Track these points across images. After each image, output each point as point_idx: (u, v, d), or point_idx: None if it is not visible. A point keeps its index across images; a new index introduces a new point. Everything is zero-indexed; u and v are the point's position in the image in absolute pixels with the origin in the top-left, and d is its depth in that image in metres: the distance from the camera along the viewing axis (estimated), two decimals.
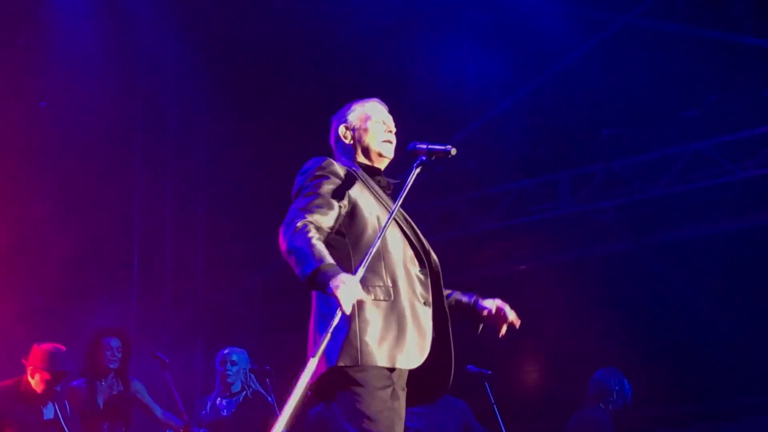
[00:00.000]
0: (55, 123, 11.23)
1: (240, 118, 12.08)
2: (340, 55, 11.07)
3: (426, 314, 4.62)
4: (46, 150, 11.17)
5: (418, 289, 4.63)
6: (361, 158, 4.85)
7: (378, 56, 10.76)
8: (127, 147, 12.13)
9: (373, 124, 4.84)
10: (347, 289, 4.18)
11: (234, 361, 9.22)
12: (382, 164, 4.89)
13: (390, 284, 4.53)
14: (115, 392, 8.99)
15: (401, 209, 4.75)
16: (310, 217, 4.45)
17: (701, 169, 10.88)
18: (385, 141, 4.84)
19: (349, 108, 4.93)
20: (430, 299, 4.66)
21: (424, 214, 11.64)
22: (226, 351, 9.32)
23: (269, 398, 9.01)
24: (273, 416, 8.87)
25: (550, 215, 11.66)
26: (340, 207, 4.56)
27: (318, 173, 4.62)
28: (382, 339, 4.44)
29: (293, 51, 11.64)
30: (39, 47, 11.27)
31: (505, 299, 12.43)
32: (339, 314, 4.23)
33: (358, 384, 4.41)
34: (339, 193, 4.58)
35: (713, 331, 12.06)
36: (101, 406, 8.92)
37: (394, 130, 4.89)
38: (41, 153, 11.15)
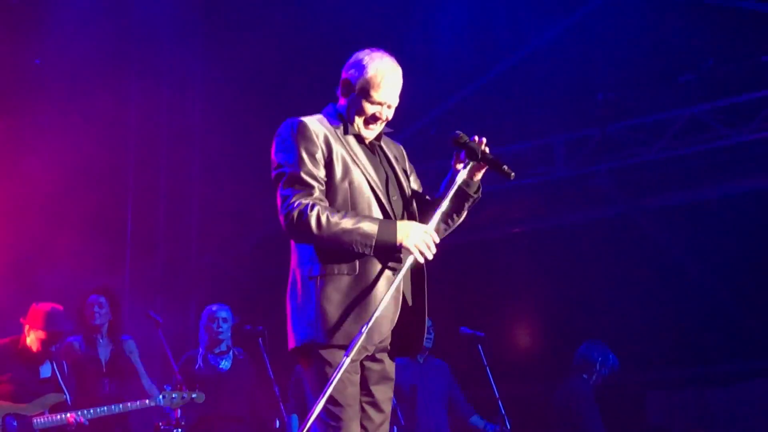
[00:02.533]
0: (49, 81, 11.17)
1: (235, 80, 12.04)
2: (334, 13, 11.01)
3: (396, 286, 4.49)
4: (39, 108, 11.11)
5: (388, 258, 4.54)
6: (347, 116, 4.71)
7: (372, 17, 10.72)
8: (122, 107, 12.08)
9: (369, 104, 4.65)
10: (417, 241, 4.40)
11: (225, 318, 9.26)
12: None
13: (355, 255, 4.47)
14: (113, 350, 9.09)
15: (393, 172, 4.74)
16: (309, 199, 4.44)
17: (696, 134, 10.89)
18: (369, 124, 4.70)
19: (368, 66, 4.65)
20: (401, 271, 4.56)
21: (419, 178, 11.62)
22: (214, 308, 9.33)
23: (264, 357, 9.04)
24: (266, 375, 8.91)
25: (545, 179, 11.67)
26: (321, 178, 4.53)
27: (292, 142, 4.56)
28: (343, 316, 4.42)
29: (292, 8, 11.58)
30: (33, 5, 11.19)
31: (499, 262, 12.51)
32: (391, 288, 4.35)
33: (325, 362, 4.44)
34: (315, 162, 4.52)
35: (706, 296, 12.11)
36: (104, 364, 9.01)
37: (388, 115, 4.71)
38: (35, 111, 11.10)
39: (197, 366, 9.19)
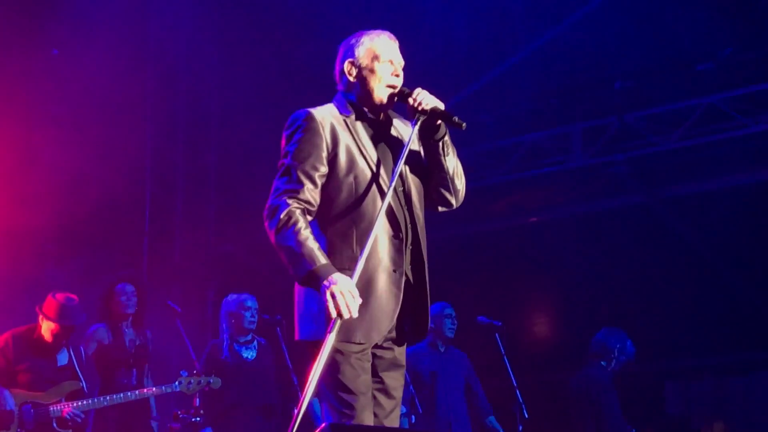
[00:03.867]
0: (67, 71, 11.19)
1: (252, 68, 12.04)
2: (351, 2, 10.99)
3: (396, 282, 4.53)
4: (58, 98, 11.14)
5: (391, 255, 4.54)
6: (361, 99, 4.71)
7: (389, 7, 10.70)
8: (139, 96, 12.09)
9: (380, 65, 4.66)
10: (340, 295, 4.25)
11: (256, 308, 9.26)
12: (383, 108, 4.72)
13: (358, 252, 4.43)
14: (137, 339, 9.11)
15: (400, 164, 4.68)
16: (293, 201, 4.44)
17: (714, 123, 10.84)
18: (389, 86, 4.66)
19: (358, 40, 4.72)
20: (404, 266, 4.57)
21: None
22: (243, 297, 9.31)
23: (282, 346, 9.05)
24: (284, 363, 8.94)
25: (562, 168, 11.64)
26: (319, 174, 4.51)
27: (296, 133, 4.56)
28: None
29: None
30: None
31: (516, 251, 12.50)
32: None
33: (335, 350, 4.38)
34: (317, 157, 4.51)
35: (724, 285, 12.08)
36: (131, 353, 9.04)
37: (401, 73, 4.72)
38: (53, 101, 11.13)
39: (224, 355, 9.17)
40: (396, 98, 4.68)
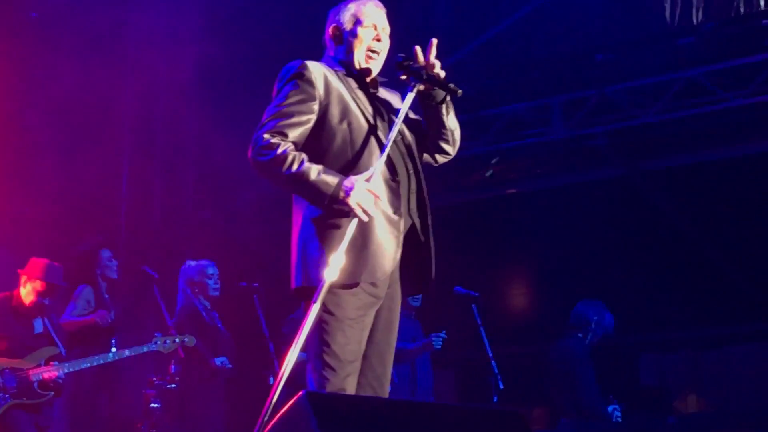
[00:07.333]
0: (46, 34, 11.12)
1: (233, 34, 11.98)
2: None
3: (396, 225, 4.58)
4: (37, 62, 11.07)
5: (389, 198, 4.59)
6: (346, 62, 4.79)
7: None
8: (119, 59, 12.02)
9: (363, 30, 4.76)
10: (357, 198, 4.34)
11: (217, 274, 9.23)
12: (366, 72, 4.80)
13: None
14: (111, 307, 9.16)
15: (391, 115, 4.75)
16: (284, 140, 4.49)
17: (694, 97, 10.84)
18: (370, 51, 4.76)
19: (346, 5, 4.84)
20: (404, 209, 4.63)
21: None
22: (204, 263, 9.28)
23: (259, 313, 9.02)
24: (261, 331, 8.92)
25: (542, 140, 11.64)
26: (307, 118, 4.57)
27: (289, 81, 4.63)
28: (344, 255, 4.37)
29: None
30: None
31: (495, 222, 12.48)
32: (351, 226, 4.35)
33: (327, 311, 4.44)
34: (308, 102, 4.57)
35: (701, 259, 12.13)
36: (113, 319, 9.09)
37: (384, 38, 4.80)
38: (32, 65, 11.06)
39: (206, 318, 9.14)
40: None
